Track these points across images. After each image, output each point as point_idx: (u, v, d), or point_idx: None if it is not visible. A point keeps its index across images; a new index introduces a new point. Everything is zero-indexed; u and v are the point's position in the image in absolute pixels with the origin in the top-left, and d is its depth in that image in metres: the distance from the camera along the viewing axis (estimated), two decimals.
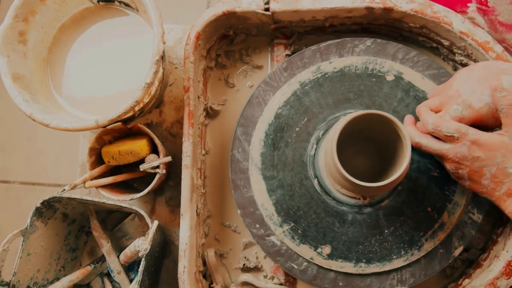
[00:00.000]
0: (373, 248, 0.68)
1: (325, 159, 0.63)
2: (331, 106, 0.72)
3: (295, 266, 0.70)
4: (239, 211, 0.72)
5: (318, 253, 0.69)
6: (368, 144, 0.70)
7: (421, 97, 0.70)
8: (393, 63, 0.71)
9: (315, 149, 0.71)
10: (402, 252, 0.68)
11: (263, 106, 0.73)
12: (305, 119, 0.72)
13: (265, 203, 0.71)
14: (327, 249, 0.69)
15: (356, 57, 0.72)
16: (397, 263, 0.68)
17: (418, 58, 0.71)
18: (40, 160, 1.41)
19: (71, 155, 1.34)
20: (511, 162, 0.56)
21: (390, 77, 0.71)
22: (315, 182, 0.70)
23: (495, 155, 0.56)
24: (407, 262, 0.68)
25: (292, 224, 0.70)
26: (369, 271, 0.68)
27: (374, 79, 0.71)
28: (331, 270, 0.69)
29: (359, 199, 0.68)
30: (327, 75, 0.72)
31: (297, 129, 0.72)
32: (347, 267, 0.69)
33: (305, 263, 0.70)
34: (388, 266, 0.68)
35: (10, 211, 1.39)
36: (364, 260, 0.68)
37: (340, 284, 0.69)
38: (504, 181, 0.57)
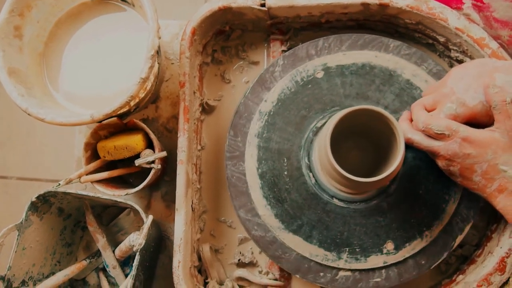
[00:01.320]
0: (363, 243, 0.68)
1: (319, 154, 0.63)
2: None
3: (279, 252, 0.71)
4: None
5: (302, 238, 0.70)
6: (363, 140, 0.70)
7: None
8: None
9: (310, 145, 0.71)
10: (393, 248, 0.68)
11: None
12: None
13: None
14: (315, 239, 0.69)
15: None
16: (387, 259, 0.68)
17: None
18: (38, 155, 1.41)
19: (69, 151, 1.34)
20: (502, 159, 0.56)
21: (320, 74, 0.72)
22: (311, 177, 0.70)
23: (486, 152, 0.57)
24: (399, 259, 0.68)
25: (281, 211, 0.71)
26: (356, 266, 0.69)
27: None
28: (316, 262, 0.70)
29: (354, 194, 0.68)
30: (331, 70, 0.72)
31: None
32: (336, 260, 0.69)
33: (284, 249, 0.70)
34: (375, 262, 0.68)
35: (8, 207, 1.39)
36: (351, 254, 0.68)
37: (329, 275, 0.69)
38: (495, 178, 0.57)
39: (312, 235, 0.69)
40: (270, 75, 0.73)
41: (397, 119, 0.67)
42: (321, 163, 0.63)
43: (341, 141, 0.68)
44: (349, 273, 0.69)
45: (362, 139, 0.70)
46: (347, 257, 0.68)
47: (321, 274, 0.69)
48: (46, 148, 1.38)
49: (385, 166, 0.63)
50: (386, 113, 0.57)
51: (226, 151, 0.73)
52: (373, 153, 0.70)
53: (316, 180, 0.69)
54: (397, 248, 0.68)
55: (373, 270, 0.69)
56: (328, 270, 0.69)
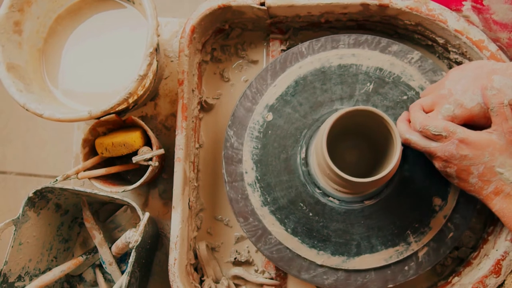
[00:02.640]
0: (358, 242, 0.68)
1: (316, 154, 0.63)
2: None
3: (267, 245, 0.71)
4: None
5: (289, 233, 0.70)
6: (361, 140, 0.70)
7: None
8: None
9: (306, 147, 0.71)
10: (334, 254, 0.68)
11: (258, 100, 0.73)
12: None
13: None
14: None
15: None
16: (324, 260, 0.69)
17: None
18: (38, 151, 1.41)
19: (69, 147, 1.34)
20: (499, 161, 0.56)
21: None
22: (306, 175, 0.70)
23: (482, 153, 0.57)
24: (394, 260, 0.68)
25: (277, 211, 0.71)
26: (348, 266, 0.69)
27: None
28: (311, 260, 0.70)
29: (351, 194, 0.68)
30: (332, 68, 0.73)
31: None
32: (333, 260, 0.69)
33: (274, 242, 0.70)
34: (370, 262, 0.68)
35: (7, 202, 1.39)
36: (345, 254, 0.69)
37: (324, 277, 0.69)
38: (492, 180, 0.57)
39: (272, 200, 0.70)
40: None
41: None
42: (318, 163, 0.63)
43: (338, 141, 0.68)
44: (340, 272, 0.69)
45: (360, 139, 0.70)
46: (339, 255, 0.68)
47: (311, 271, 0.70)
48: (45, 144, 1.38)
49: (382, 166, 0.63)
50: (382, 114, 0.57)
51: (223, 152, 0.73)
52: (371, 153, 0.70)
53: (305, 158, 0.70)
54: (393, 248, 0.68)
55: (367, 270, 0.69)
56: (316, 267, 0.69)
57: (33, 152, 1.37)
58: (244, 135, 0.72)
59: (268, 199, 0.70)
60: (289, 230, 0.70)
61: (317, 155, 0.63)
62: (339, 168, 0.57)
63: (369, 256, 0.68)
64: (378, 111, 0.57)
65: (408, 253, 0.67)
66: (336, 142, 0.68)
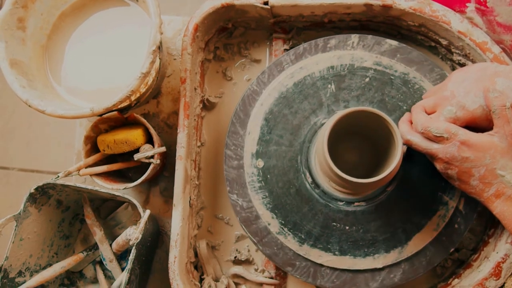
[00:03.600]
0: (360, 243, 0.68)
1: (317, 155, 0.63)
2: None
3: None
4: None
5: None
6: (362, 140, 0.70)
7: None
8: None
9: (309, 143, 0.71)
10: (388, 251, 0.68)
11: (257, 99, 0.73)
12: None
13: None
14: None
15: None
16: (382, 261, 0.68)
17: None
18: (40, 147, 1.41)
19: (71, 144, 1.34)
20: (500, 164, 0.56)
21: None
22: (307, 176, 0.70)
23: (484, 156, 0.56)
24: (394, 261, 0.68)
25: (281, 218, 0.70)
26: (350, 266, 0.69)
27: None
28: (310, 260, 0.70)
29: (352, 195, 0.68)
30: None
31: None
32: (389, 257, 0.68)
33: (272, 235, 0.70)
34: (372, 263, 0.68)
35: (9, 198, 1.39)
36: (347, 254, 0.68)
37: (391, 275, 0.69)
38: (493, 182, 0.57)
39: (306, 234, 0.69)
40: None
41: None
42: (320, 164, 0.63)
43: (340, 141, 0.68)
44: (342, 272, 0.69)
45: (361, 140, 0.70)
46: (341, 256, 0.68)
47: (377, 277, 0.69)
48: (48, 140, 1.38)
49: (383, 167, 0.63)
50: (384, 115, 0.57)
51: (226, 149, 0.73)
52: (372, 153, 0.70)
53: (313, 180, 0.69)
54: (394, 249, 0.68)
55: (369, 271, 0.69)
56: (380, 271, 0.69)
57: (36, 148, 1.38)
58: (248, 192, 0.71)
59: (303, 236, 0.69)
60: (337, 253, 0.69)
61: (319, 161, 0.62)
62: (342, 170, 0.57)
63: (371, 257, 0.68)
64: (379, 112, 0.57)
65: (413, 252, 0.67)
66: (337, 143, 0.68)
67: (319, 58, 0.72)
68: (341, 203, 0.69)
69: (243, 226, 0.71)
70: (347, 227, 0.68)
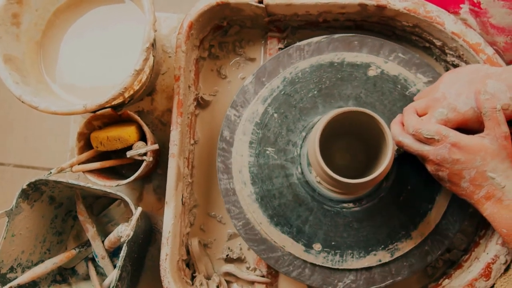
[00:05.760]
0: (350, 243, 0.69)
1: (309, 155, 0.63)
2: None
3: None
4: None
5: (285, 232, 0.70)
6: (355, 140, 0.70)
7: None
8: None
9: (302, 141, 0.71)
10: (377, 251, 0.68)
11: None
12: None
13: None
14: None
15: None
16: (374, 260, 0.68)
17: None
18: (36, 143, 1.41)
19: (67, 140, 1.34)
20: (490, 166, 0.56)
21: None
22: (299, 174, 0.70)
23: (474, 158, 0.57)
24: (385, 261, 0.68)
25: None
26: (341, 266, 0.69)
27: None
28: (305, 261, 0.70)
29: (344, 195, 0.68)
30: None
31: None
32: (324, 260, 0.69)
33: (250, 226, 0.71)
34: (363, 263, 0.68)
35: (4, 194, 1.39)
36: (338, 255, 0.69)
37: (317, 277, 0.70)
38: (483, 185, 0.57)
39: (298, 233, 0.69)
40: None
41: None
42: (312, 164, 0.63)
43: (332, 141, 0.68)
44: (329, 271, 0.69)
45: (354, 139, 0.70)
46: (333, 256, 0.68)
47: (299, 269, 0.70)
48: (44, 136, 1.38)
49: (376, 166, 0.63)
50: (375, 115, 0.57)
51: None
52: (365, 153, 0.70)
53: (305, 179, 0.70)
54: (384, 250, 0.68)
55: (359, 270, 0.69)
56: (307, 265, 0.70)
57: (32, 144, 1.37)
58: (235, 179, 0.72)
59: (287, 227, 0.70)
60: (326, 249, 0.69)
61: (310, 157, 0.62)
62: (333, 168, 0.57)
63: (363, 257, 0.68)
64: (371, 112, 0.57)
65: (403, 252, 0.68)
66: (330, 142, 0.68)
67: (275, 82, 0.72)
68: (333, 203, 0.69)
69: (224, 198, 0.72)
70: (339, 226, 0.69)
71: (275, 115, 0.71)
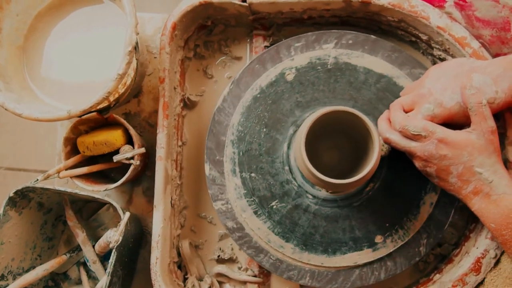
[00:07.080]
0: (339, 240, 0.68)
1: (295, 154, 0.63)
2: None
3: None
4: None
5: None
6: (342, 138, 0.70)
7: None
8: None
9: (289, 141, 0.70)
10: (368, 247, 0.68)
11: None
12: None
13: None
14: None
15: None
16: (363, 257, 0.68)
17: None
18: (27, 146, 1.40)
19: (56, 143, 1.34)
20: (478, 161, 0.56)
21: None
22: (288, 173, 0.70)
23: (461, 153, 0.56)
24: (374, 257, 0.68)
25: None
26: (330, 263, 0.69)
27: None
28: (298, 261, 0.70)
29: (332, 193, 0.68)
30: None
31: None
32: (315, 258, 0.69)
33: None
34: (352, 260, 0.68)
35: None
36: (330, 251, 0.69)
37: (308, 278, 0.70)
38: (471, 180, 0.57)
39: (286, 232, 0.69)
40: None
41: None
42: (298, 163, 0.63)
43: (319, 140, 0.68)
44: (322, 269, 0.69)
45: (341, 138, 0.70)
46: (321, 254, 0.68)
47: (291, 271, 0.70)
48: (35, 139, 1.38)
49: (363, 165, 0.63)
50: (361, 115, 0.57)
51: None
52: (352, 152, 0.70)
53: (293, 177, 0.69)
54: (374, 246, 0.68)
55: (349, 268, 0.69)
56: (298, 265, 0.69)
57: (23, 147, 1.37)
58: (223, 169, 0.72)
59: (271, 218, 0.70)
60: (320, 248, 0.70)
61: (298, 162, 0.62)
62: (319, 169, 0.57)
63: (351, 253, 0.68)
64: (356, 112, 0.57)
65: (391, 249, 0.68)
66: (316, 141, 0.68)
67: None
68: (323, 201, 0.69)
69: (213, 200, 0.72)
70: (328, 224, 0.69)
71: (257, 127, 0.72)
